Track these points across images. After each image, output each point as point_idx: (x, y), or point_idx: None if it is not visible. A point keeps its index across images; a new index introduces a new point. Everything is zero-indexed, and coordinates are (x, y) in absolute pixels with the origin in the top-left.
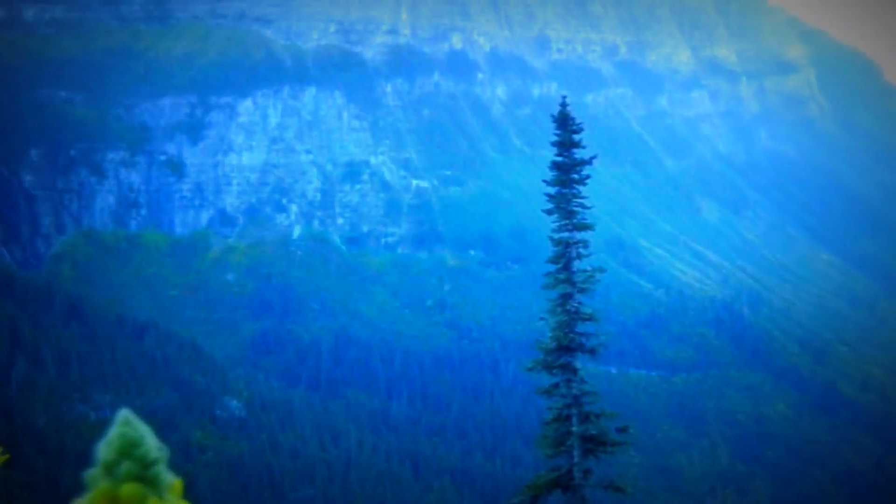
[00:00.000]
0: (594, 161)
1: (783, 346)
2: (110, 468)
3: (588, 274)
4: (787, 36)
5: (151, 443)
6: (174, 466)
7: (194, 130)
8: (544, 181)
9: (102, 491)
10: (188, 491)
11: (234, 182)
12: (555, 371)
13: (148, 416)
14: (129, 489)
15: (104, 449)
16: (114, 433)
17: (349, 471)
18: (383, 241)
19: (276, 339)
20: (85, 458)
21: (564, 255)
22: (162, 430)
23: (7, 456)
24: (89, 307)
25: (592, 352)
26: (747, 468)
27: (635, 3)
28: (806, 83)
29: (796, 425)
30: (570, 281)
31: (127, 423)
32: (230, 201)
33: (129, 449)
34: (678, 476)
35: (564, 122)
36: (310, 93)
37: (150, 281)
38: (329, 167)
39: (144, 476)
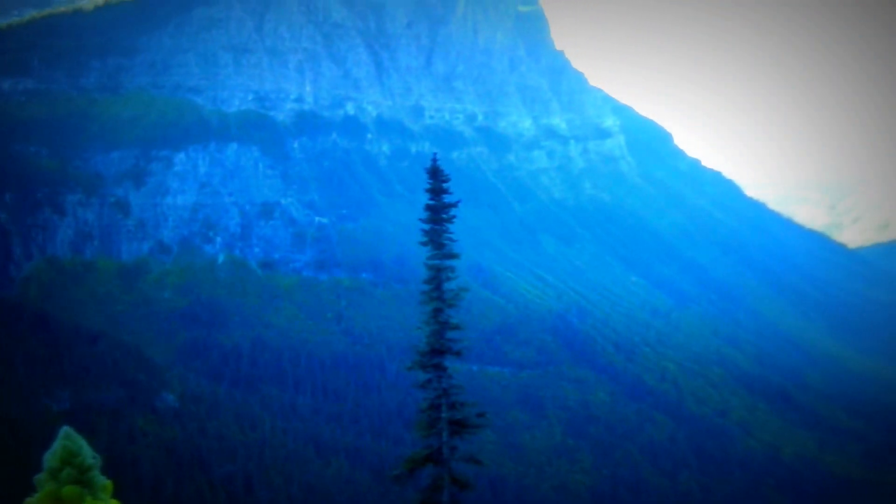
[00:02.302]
0: (458, 204)
1: (603, 347)
2: (55, 473)
3: (455, 292)
4: (604, 109)
5: (88, 452)
6: (122, 449)
7: (138, 177)
8: (420, 219)
9: (48, 492)
10: (132, 468)
11: (170, 218)
12: (429, 369)
13: (100, 407)
14: (69, 491)
15: (49, 458)
16: (57, 445)
17: (264, 451)
18: (291, 265)
19: (204, 345)
20: (48, 442)
21: (436, 278)
22: (111, 419)
23: None
24: (52, 319)
25: (458, 353)
26: (575, 442)
27: (489, 82)
28: (618, 146)
29: (612, 408)
30: (440, 298)
31: (68, 437)
32: (167, 234)
33: (69, 458)
34: (523, 450)
35: (435, 174)
36: (232, 147)
37: (101, 298)
38: (247, 207)
39: (82, 479)
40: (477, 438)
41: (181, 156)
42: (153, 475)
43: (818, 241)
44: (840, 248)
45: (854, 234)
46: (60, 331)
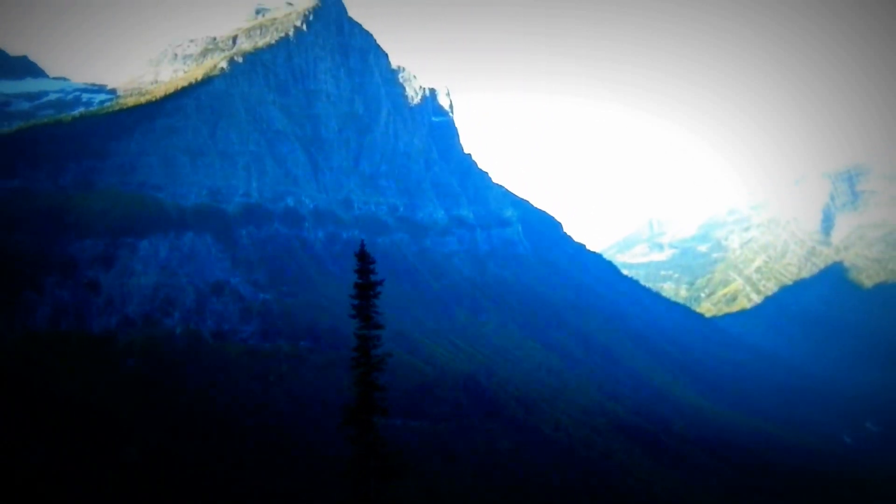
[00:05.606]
0: (383, 282)
1: (506, 402)
2: None
3: (380, 358)
4: (504, 203)
5: None
6: (91, 497)
7: (108, 261)
8: (350, 296)
9: None
10: None
11: (135, 296)
12: (358, 425)
13: (71, 460)
14: None
15: None
16: None
17: (216, 499)
18: (239, 336)
19: (165, 406)
20: (27, 489)
21: (364, 346)
22: (81, 471)
23: None
24: (30, 385)
25: (384, 411)
26: (485, 485)
27: (408, 179)
28: (516, 232)
29: (515, 455)
30: (368, 363)
31: None
32: (132, 310)
33: None
34: (440, 493)
35: (363, 257)
36: (188, 235)
37: (74, 366)
38: (201, 286)
39: None
40: (400, 484)
41: (144, 243)
42: None
43: (681, 312)
44: (698, 317)
45: (708, 306)
46: (38, 398)
